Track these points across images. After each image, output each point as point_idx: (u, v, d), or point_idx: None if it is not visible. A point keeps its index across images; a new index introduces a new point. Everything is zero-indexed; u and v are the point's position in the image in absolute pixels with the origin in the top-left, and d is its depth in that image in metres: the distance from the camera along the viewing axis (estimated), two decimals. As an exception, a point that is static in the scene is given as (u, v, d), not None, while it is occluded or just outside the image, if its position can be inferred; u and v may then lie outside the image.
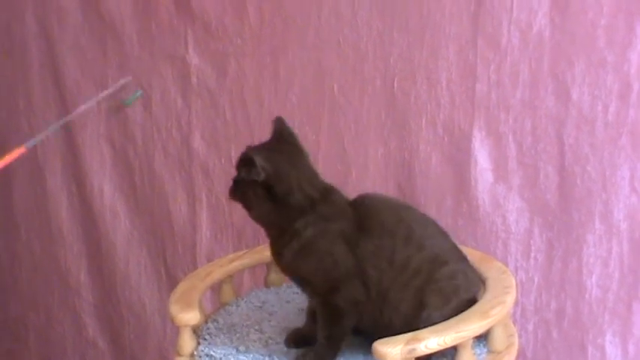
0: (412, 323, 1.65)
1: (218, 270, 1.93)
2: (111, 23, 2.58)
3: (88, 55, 2.64)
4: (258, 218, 1.73)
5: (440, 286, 1.70)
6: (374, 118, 2.26)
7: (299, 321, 1.84)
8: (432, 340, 1.58)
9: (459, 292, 1.71)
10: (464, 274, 1.74)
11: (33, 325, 3.00)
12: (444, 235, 1.78)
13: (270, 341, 1.77)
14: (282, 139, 1.73)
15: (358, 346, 1.72)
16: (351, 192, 1.78)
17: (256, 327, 1.82)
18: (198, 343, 1.77)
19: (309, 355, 1.70)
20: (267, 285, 2.01)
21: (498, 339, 1.70)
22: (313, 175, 1.72)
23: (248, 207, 1.72)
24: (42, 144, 2.79)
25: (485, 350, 1.71)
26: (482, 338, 1.71)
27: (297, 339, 1.76)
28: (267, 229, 1.74)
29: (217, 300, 1.98)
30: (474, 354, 1.66)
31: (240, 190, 1.71)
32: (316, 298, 1.71)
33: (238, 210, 2.50)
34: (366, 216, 1.71)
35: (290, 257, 1.69)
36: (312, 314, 1.76)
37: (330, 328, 1.68)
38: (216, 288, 1.97)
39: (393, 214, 1.74)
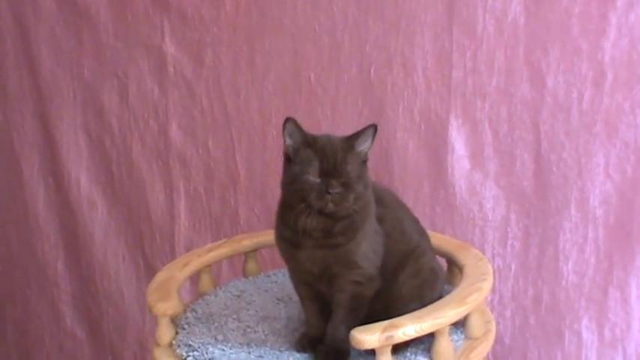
0: (410, 305, 1.66)
1: (196, 260, 1.93)
2: (86, 13, 2.57)
3: (64, 45, 2.63)
4: (363, 198, 1.63)
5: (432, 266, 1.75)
6: (350, 106, 2.26)
7: (277, 310, 1.84)
8: (410, 327, 1.58)
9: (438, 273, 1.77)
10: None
11: (10, 317, 2.99)
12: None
13: (248, 330, 1.77)
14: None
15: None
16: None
17: (234, 316, 1.82)
18: (177, 333, 1.77)
19: (332, 352, 1.66)
20: (245, 274, 2.01)
21: (475, 325, 1.71)
22: None
23: (367, 193, 1.64)
24: (18, 135, 2.78)
25: (462, 337, 1.72)
26: (460, 325, 1.72)
27: (310, 342, 1.70)
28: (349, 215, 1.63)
29: (196, 290, 1.98)
30: (452, 340, 1.66)
31: (363, 171, 1.63)
32: (347, 290, 1.65)
33: (216, 199, 2.53)
34: (375, 190, 1.71)
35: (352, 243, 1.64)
36: (318, 314, 1.71)
37: (354, 319, 1.64)
38: (194, 278, 1.97)
39: (384, 188, 1.79)
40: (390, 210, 1.71)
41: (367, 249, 1.64)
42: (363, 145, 1.63)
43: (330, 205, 1.58)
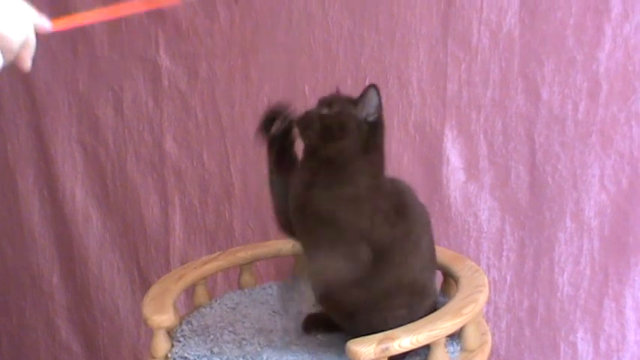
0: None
1: (191, 272, 1.92)
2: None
3: (58, 57, 2.63)
4: (343, 151, 1.66)
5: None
6: (346, 118, 2.26)
7: (272, 322, 1.84)
8: (405, 339, 1.58)
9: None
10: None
11: (5, 330, 2.98)
12: None
13: (243, 342, 1.76)
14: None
15: (332, 346, 1.73)
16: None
17: (230, 328, 1.82)
18: (172, 346, 1.76)
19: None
20: (240, 287, 2.01)
21: (471, 337, 1.71)
22: None
23: (343, 135, 1.66)
24: (13, 147, 2.78)
25: (458, 349, 1.72)
26: (455, 337, 1.72)
27: (317, 323, 1.75)
28: (332, 166, 1.67)
29: (191, 302, 1.98)
30: (447, 352, 1.66)
31: (344, 121, 1.67)
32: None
33: (211, 212, 2.53)
34: (401, 199, 1.73)
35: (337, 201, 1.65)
36: None
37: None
38: (189, 290, 1.97)
39: (419, 203, 1.79)
40: (409, 236, 1.71)
41: (327, 254, 1.65)
42: (366, 109, 1.68)
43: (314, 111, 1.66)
